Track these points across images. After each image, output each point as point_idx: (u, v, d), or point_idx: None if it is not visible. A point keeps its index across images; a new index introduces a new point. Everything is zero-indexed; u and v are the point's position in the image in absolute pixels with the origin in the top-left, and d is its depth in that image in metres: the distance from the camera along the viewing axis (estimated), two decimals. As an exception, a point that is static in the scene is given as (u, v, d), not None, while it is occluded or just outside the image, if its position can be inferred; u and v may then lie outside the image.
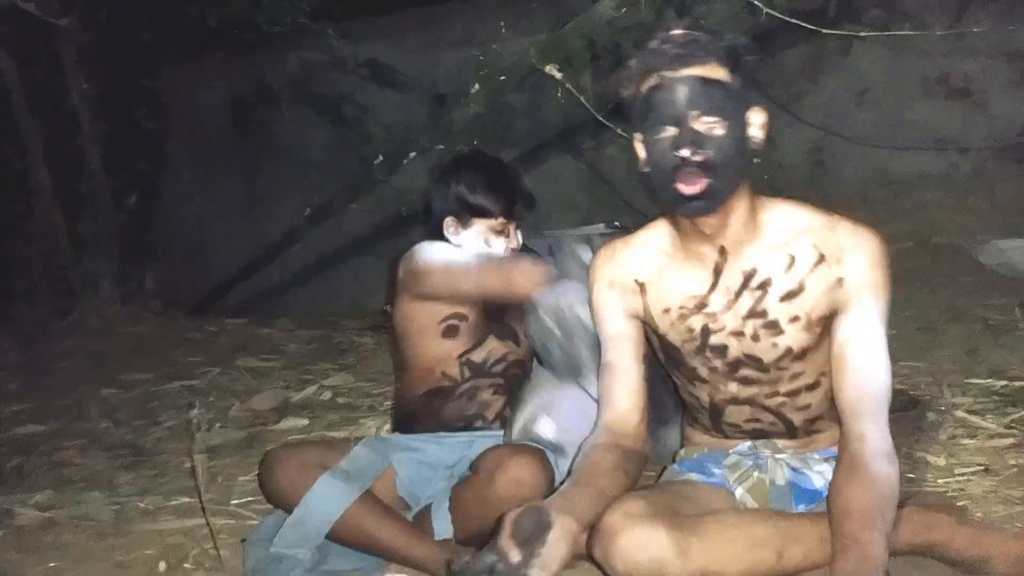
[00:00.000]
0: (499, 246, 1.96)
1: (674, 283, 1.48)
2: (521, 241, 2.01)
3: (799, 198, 1.50)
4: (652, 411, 1.60)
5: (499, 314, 1.98)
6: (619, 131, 3.24)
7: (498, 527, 1.34)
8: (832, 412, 1.49)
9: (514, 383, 1.96)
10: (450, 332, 1.95)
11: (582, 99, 2.76)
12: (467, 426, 1.93)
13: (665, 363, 1.59)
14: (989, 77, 4.39)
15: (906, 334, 3.17)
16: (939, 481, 1.95)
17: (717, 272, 1.45)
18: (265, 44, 4.39)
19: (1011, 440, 2.14)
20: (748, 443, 1.56)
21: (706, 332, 1.47)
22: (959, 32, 3.41)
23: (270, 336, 4.32)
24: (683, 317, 1.48)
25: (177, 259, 5.31)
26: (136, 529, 2.10)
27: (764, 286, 1.42)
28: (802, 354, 1.44)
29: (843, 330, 1.40)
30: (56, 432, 2.96)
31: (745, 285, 1.43)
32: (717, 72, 1.34)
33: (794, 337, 1.43)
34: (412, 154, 3.46)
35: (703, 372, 1.51)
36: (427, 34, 4.97)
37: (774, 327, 1.43)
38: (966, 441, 2.16)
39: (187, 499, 2.22)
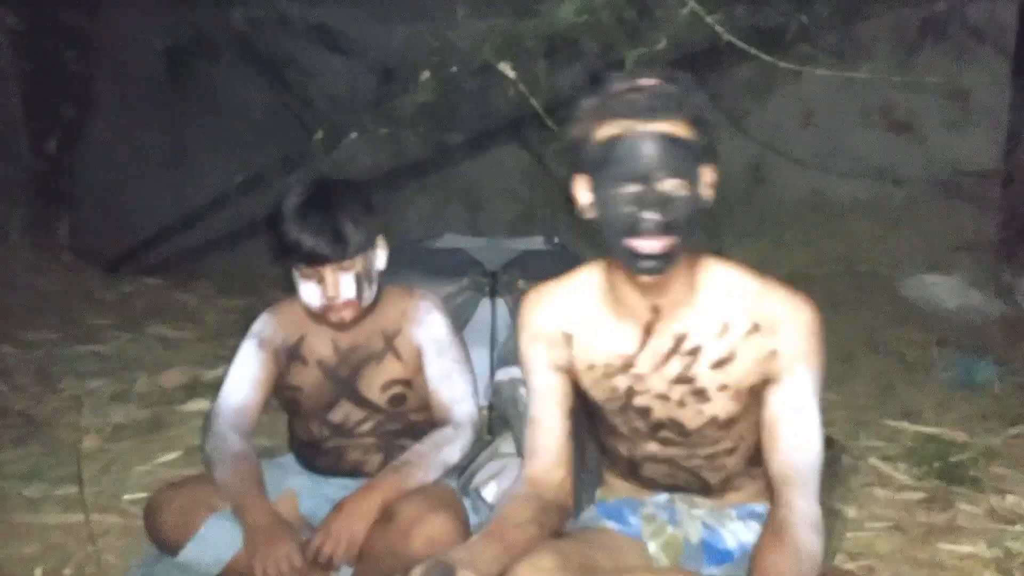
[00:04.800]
0: (311, 296, 1.66)
1: (601, 338, 1.41)
2: (348, 294, 1.65)
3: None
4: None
5: (349, 382, 1.79)
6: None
7: None
8: (750, 470, 1.48)
9: (393, 440, 1.81)
10: (289, 405, 1.84)
11: (533, 101, 2.67)
12: (350, 475, 1.81)
13: (587, 414, 1.53)
14: (931, 113, 4.48)
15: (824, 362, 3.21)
16: (848, 535, 1.96)
17: (647, 332, 1.38)
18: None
19: (921, 495, 2.17)
20: (665, 496, 1.53)
21: (630, 393, 1.41)
22: (907, 77, 3.43)
23: (187, 302, 4.15)
24: (608, 376, 1.41)
25: (94, 210, 5.04)
26: (16, 520, 1.97)
27: (695, 352, 1.36)
28: (728, 423, 1.40)
29: (775, 401, 1.35)
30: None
31: (675, 350, 1.37)
32: (682, 129, 1.25)
33: (722, 406, 1.38)
34: (353, 135, 3.33)
35: (624, 430, 1.46)
36: (381, 4, 4.81)
37: (702, 395, 1.38)
38: (878, 491, 2.19)
39: (76, 489, 2.08)
